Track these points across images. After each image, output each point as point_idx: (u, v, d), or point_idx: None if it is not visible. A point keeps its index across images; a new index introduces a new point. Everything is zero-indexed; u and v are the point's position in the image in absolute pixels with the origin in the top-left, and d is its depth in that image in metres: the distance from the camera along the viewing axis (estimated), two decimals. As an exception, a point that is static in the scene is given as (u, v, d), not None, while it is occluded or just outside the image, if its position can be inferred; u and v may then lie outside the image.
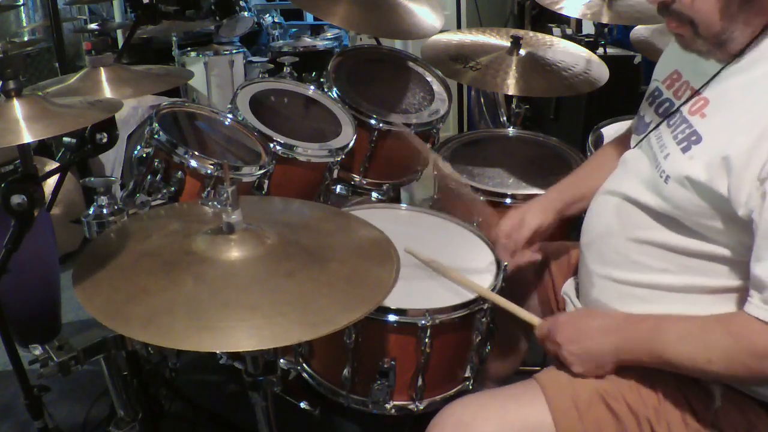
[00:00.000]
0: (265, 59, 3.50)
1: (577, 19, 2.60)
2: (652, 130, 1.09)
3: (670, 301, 1.03)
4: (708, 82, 1.00)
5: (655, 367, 0.99)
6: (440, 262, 1.26)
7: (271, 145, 1.57)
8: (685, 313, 0.99)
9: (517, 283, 1.36)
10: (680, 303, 1.02)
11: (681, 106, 1.04)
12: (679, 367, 0.97)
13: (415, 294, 1.21)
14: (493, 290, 1.23)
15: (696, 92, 1.02)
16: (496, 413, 1.04)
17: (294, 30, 4.38)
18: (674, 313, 1.00)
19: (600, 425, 1.00)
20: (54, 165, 2.49)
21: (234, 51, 3.28)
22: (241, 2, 3.44)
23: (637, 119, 1.20)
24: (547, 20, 3.15)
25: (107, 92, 1.34)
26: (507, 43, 1.97)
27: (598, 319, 1.06)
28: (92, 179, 1.19)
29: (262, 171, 1.50)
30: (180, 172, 1.41)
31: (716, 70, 0.98)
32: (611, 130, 1.93)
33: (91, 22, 3.08)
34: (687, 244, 0.99)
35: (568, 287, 1.26)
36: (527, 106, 2.20)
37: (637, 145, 1.15)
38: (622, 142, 1.28)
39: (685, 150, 0.97)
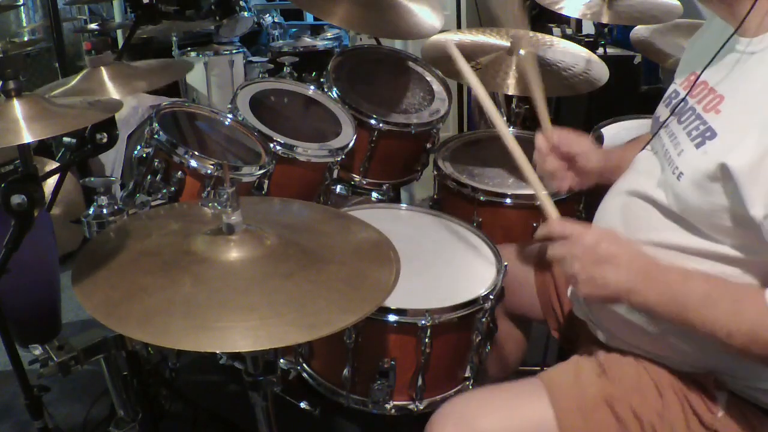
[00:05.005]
0: (265, 59, 3.49)
1: (577, 19, 2.60)
2: (661, 127, 1.07)
3: None
4: (723, 79, 0.97)
5: (664, 319, 0.94)
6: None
7: (271, 145, 1.57)
8: None
9: (517, 282, 1.36)
10: None
11: (695, 103, 1.01)
12: (694, 329, 0.91)
13: (415, 294, 1.21)
14: (492, 290, 1.23)
15: (711, 89, 0.98)
16: (499, 410, 1.03)
17: (294, 30, 4.37)
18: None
19: (603, 429, 1.00)
20: (54, 165, 2.48)
21: (234, 51, 3.27)
22: (241, 2, 3.43)
23: (653, 122, 1.17)
24: (547, 20, 3.14)
25: (111, 90, 1.34)
26: (507, 43, 1.97)
27: (626, 250, 0.96)
28: (92, 179, 1.19)
29: (262, 171, 1.49)
30: (180, 172, 1.41)
31: (733, 64, 0.95)
32: (611, 130, 1.93)
33: (91, 22, 3.08)
34: (698, 245, 0.95)
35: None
36: (527, 106, 2.19)
37: (647, 143, 1.11)
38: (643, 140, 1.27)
39: (699, 146, 0.94)
